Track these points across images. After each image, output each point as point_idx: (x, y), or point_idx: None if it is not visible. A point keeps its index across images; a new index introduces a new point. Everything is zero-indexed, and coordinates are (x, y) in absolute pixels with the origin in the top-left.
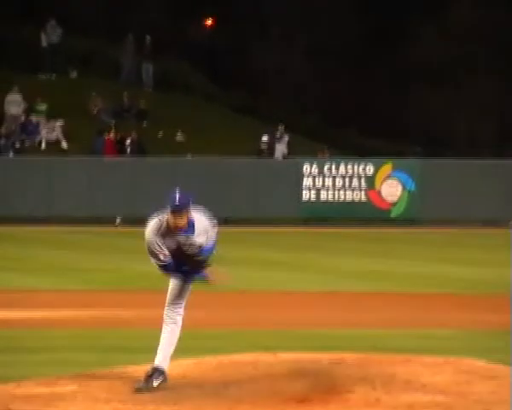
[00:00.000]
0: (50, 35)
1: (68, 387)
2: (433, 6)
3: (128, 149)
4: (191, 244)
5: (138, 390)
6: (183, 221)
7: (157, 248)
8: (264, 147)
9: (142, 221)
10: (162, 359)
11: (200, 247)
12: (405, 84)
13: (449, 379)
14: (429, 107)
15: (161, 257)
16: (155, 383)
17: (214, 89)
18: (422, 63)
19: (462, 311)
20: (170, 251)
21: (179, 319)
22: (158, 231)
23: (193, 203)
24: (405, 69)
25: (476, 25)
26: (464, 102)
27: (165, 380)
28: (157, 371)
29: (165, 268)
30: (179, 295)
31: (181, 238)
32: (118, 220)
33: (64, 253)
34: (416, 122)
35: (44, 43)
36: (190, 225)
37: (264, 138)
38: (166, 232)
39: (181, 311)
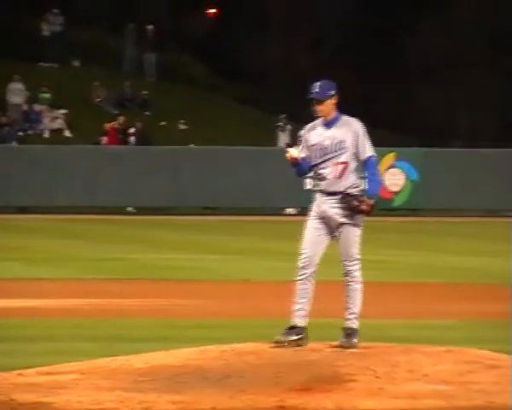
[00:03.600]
0: (52, 24)
1: (70, 376)
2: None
3: (132, 139)
4: (334, 141)
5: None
6: (325, 108)
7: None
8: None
9: (145, 210)
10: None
11: (343, 148)
12: (407, 77)
13: (451, 369)
14: (430, 99)
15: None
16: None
17: (217, 79)
18: (424, 56)
19: (464, 301)
20: (313, 153)
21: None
22: (309, 129)
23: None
24: (407, 61)
25: (477, 19)
26: (465, 95)
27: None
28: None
29: (299, 169)
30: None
31: (326, 132)
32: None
33: (66, 242)
34: (418, 114)
35: (46, 32)
36: (335, 118)
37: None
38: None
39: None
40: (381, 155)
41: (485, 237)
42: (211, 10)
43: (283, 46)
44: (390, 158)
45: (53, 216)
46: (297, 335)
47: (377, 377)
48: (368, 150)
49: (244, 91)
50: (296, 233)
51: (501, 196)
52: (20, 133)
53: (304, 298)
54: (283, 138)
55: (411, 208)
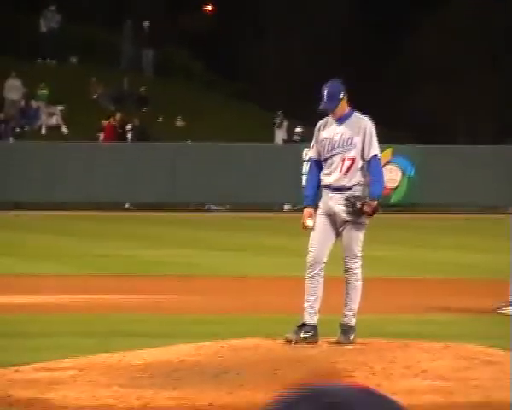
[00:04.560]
0: (49, 21)
1: (68, 371)
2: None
3: (129, 135)
4: (343, 138)
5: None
6: (337, 111)
7: (313, 142)
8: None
9: (142, 206)
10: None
11: (352, 144)
12: (406, 75)
13: (448, 365)
14: (429, 98)
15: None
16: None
17: (214, 75)
18: (423, 54)
19: (462, 296)
20: (321, 148)
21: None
22: (321, 125)
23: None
24: (406, 59)
25: (476, 21)
26: (465, 94)
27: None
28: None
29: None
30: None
31: (337, 130)
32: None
33: (63, 238)
34: (417, 112)
35: (43, 28)
36: (347, 115)
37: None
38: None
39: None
40: None
41: (483, 232)
42: (208, 7)
43: (281, 42)
44: (387, 154)
45: (50, 212)
46: (306, 333)
47: (374, 373)
48: (373, 150)
49: (241, 88)
50: (294, 229)
51: (499, 192)
52: (18, 129)
53: (313, 296)
54: (280, 135)
55: (408, 204)
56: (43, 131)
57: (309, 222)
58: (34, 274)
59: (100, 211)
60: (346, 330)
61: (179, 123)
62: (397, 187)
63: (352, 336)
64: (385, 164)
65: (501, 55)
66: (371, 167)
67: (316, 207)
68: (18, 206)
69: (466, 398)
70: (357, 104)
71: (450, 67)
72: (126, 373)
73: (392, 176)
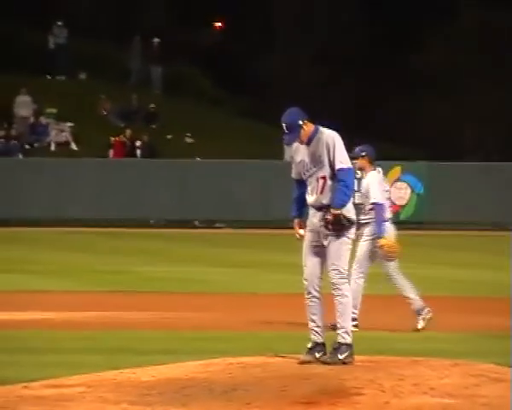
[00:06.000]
0: (57, 36)
1: (76, 388)
2: (442, 12)
3: (138, 152)
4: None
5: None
6: (301, 137)
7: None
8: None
9: (151, 223)
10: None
11: (321, 162)
12: (413, 90)
13: (456, 382)
14: (437, 113)
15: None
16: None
17: (221, 92)
18: (429, 69)
19: (471, 314)
20: (300, 170)
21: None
22: (296, 148)
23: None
24: (413, 75)
25: (483, 33)
26: (472, 109)
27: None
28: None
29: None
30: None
31: (307, 150)
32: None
33: (72, 255)
34: (424, 128)
35: (52, 44)
36: (313, 135)
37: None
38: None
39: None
40: (387, 169)
41: (491, 250)
42: (217, 24)
43: (288, 59)
44: (396, 172)
45: (60, 228)
46: (318, 352)
47: (383, 390)
48: (337, 163)
49: (250, 104)
50: (301, 246)
51: (507, 209)
52: (27, 146)
53: (315, 314)
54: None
55: (417, 222)
56: (53, 147)
57: (301, 231)
58: (41, 290)
59: (109, 227)
60: (336, 348)
61: (188, 140)
62: (406, 204)
63: (343, 356)
64: (394, 181)
65: (509, 68)
66: (336, 178)
67: (303, 220)
68: (30, 222)
69: None
70: (366, 121)
71: (461, 83)
72: (135, 390)
73: (401, 193)
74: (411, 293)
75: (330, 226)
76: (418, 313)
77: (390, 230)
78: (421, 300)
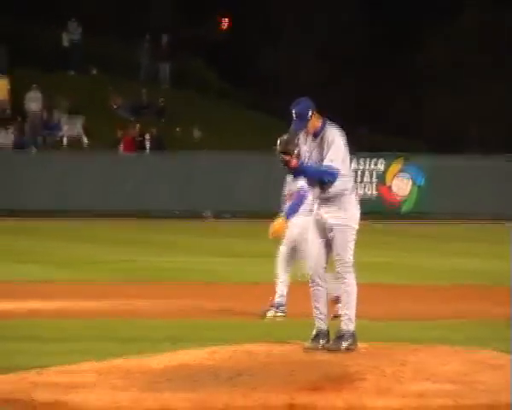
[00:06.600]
0: (72, 34)
1: (88, 375)
2: (442, 12)
3: (147, 145)
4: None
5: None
6: (309, 128)
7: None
8: None
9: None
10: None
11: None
12: (416, 85)
13: (457, 369)
14: (437, 113)
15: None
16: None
17: (229, 85)
18: (430, 69)
19: (471, 302)
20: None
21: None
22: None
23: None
24: (413, 75)
25: (488, 30)
26: (475, 105)
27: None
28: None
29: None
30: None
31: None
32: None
33: (81, 246)
34: (424, 127)
35: (66, 42)
36: (321, 128)
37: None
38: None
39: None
40: (389, 162)
41: (492, 241)
42: (223, 18)
43: (294, 52)
44: (398, 163)
45: (68, 220)
46: (322, 339)
47: (385, 376)
48: (328, 160)
49: (257, 97)
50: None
51: (508, 201)
52: (39, 140)
53: (319, 302)
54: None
55: (418, 212)
56: (65, 141)
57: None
58: (51, 281)
59: (118, 218)
60: (340, 335)
61: (197, 133)
62: (407, 197)
63: (346, 343)
64: (396, 173)
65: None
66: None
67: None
68: (46, 214)
69: (474, 401)
70: (371, 115)
71: (463, 78)
72: (145, 377)
73: (403, 185)
74: (283, 285)
75: (282, 162)
76: (276, 305)
77: (300, 219)
78: (286, 297)
